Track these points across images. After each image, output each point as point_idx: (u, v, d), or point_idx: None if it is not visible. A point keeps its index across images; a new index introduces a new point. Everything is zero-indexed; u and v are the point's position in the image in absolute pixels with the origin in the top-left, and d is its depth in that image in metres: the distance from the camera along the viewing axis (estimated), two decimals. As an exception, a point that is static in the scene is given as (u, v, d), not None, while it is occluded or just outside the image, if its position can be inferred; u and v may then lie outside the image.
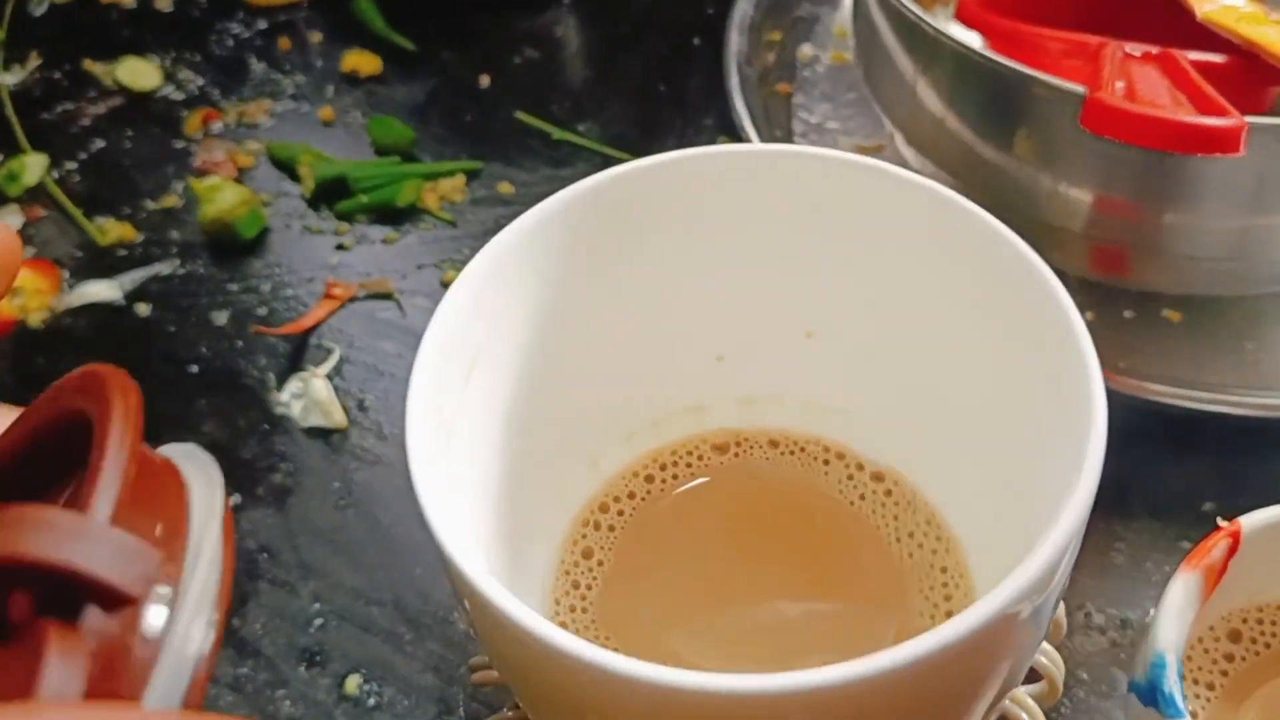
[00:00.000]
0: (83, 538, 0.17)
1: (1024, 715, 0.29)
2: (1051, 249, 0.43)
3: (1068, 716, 0.36)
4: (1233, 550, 0.30)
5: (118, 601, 0.17)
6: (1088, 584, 0.39)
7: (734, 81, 0.53)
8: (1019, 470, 0.28)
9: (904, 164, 0.47)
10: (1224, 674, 0.31)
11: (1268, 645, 0.32)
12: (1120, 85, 0.36)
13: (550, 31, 0.63)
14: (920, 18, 0.42)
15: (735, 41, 0.55)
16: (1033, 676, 0.30)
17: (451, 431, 0.28)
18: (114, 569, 0.17)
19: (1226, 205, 0.40)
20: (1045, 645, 0.30)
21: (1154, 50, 0.41)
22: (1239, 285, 0.45)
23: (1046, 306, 0.26)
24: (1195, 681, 0.31)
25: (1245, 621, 0.32)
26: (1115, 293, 0.46)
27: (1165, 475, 0.42)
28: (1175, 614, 0.29)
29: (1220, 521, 0.30)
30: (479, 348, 0.29)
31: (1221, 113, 0.32)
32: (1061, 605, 0.30)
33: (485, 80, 0.59)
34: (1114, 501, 0.42)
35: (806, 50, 0.58)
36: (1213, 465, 0.42)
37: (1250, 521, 0.30)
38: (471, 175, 0.55)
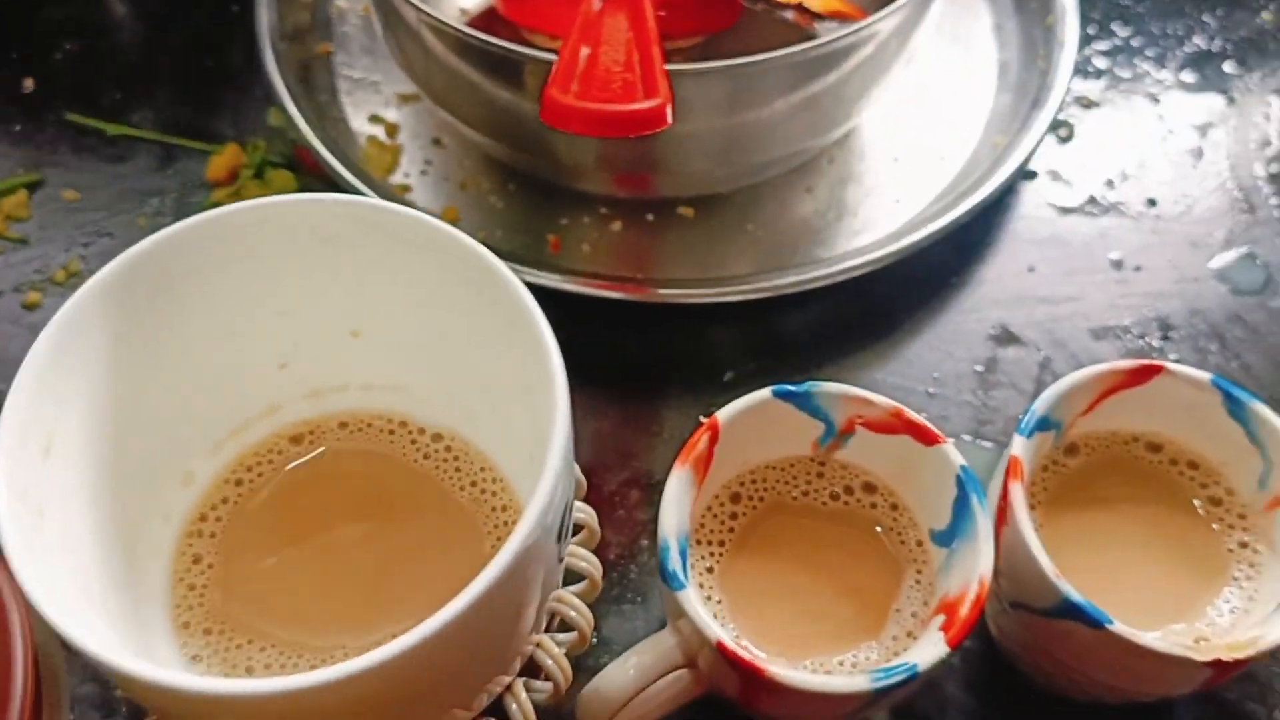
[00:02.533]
0: None
1: (572, 611, 0.36)
2: (577, 180, 0.50)
3: (634, 580, 0.44)
4: (714, 440, 0.38)
5: None
6: (640, 461, 0.47)
7: (269, 57, 0.55)
8: (535, 424, 0.35)
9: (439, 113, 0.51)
10: (730, 530, 0.40)
11: (762, 499, 0.41)
12: (585, 53, 0.42)
13: (89, 18, 0.62)
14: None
15: (265, 16, 0.57)
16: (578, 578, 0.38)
17: (42, 510, 0.31)
18: None
19: (698, 128, 0.48)
20: (583, 550, 0.37)
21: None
22: (732, 181, 0.53)
23: (520, 315, 0.33)
24: (710, 543, 0.40)
25: (742, 484, 0.41)
26: (638, 204, 0.54)
27: (694, 354, 0.51)
28: (673, 504, 0.37)
29: (701, 418, 0.38)
30: (53, 423, 0.33)
31: (652, 91, 0.38)
32: (593, 516, 0.38)
33: (29, 84, 0.59)
34: (656, 384, 0.50)
35: (340, 3, 0.61)
36: (730, 339, 0.51)
37: (725, 414, 0.38)
38: (33, 188, 0.55)
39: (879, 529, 0.40)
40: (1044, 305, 0.52)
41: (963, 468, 0.37)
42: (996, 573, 0.38)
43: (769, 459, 0.41)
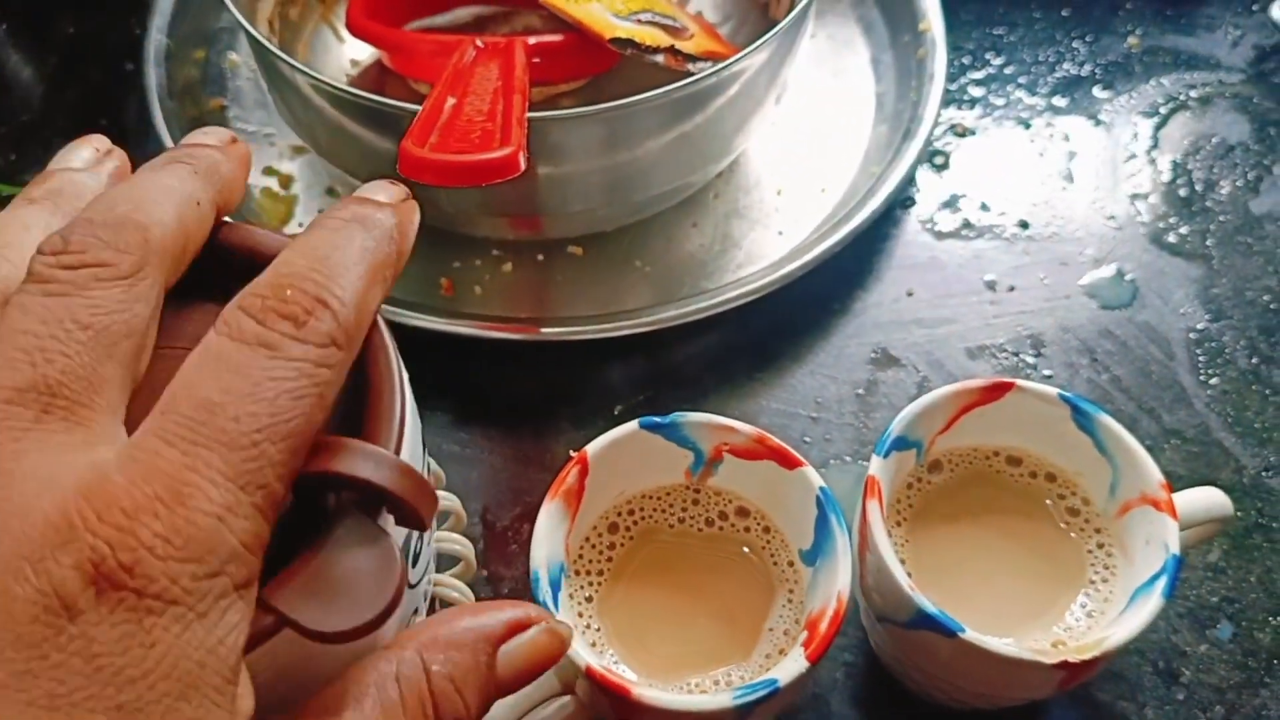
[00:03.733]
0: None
1: (454, 593, 0.37)
2: (467, 225, 0.51)
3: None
4: (584, 473, 0.39)
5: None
6: (532, 496, 0.48)
7: (157, 115, 0.56)
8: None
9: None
10: (609, 560, 0.41)
11: (639, 527, 0.42)
12: (450, 103, 0.44)
13: (-21, 77, 0.63)
14: (278, 55, 0.47)
15: (154, 74, 0.58)
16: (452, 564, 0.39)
17: None
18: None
19: (577, 169, 0.49)
20: (455, 536, 0.38)
21: (502, 40, 0.49)
22: (617, 219, 0.55)
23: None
24: (589, 573, 0.41)
25: (619, 514, 0.42)
26: (528, 244, 0.55)
27: (585, 390, 0.52)
28: (544, 537, 0.38)
29: (571, 453, 0.40)
30: None
31: (506, 140, 0.40)
32: (456, 501, 0.39)
33: (-82, 147, 0.60)
34: (548, 420, 0.51)
35: (233, 58, 0.62)
36: (620, 374, 0.52)
37: (594, 447, 0.40)
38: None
39: (747, 550, 0.41)
40: (922, 328, 0.54)
41: (822, 489, 0.39)
42: (868, 589, 0.40)
43: (644, 488, 0.42)
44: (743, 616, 0.40)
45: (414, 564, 0.32)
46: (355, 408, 0.29)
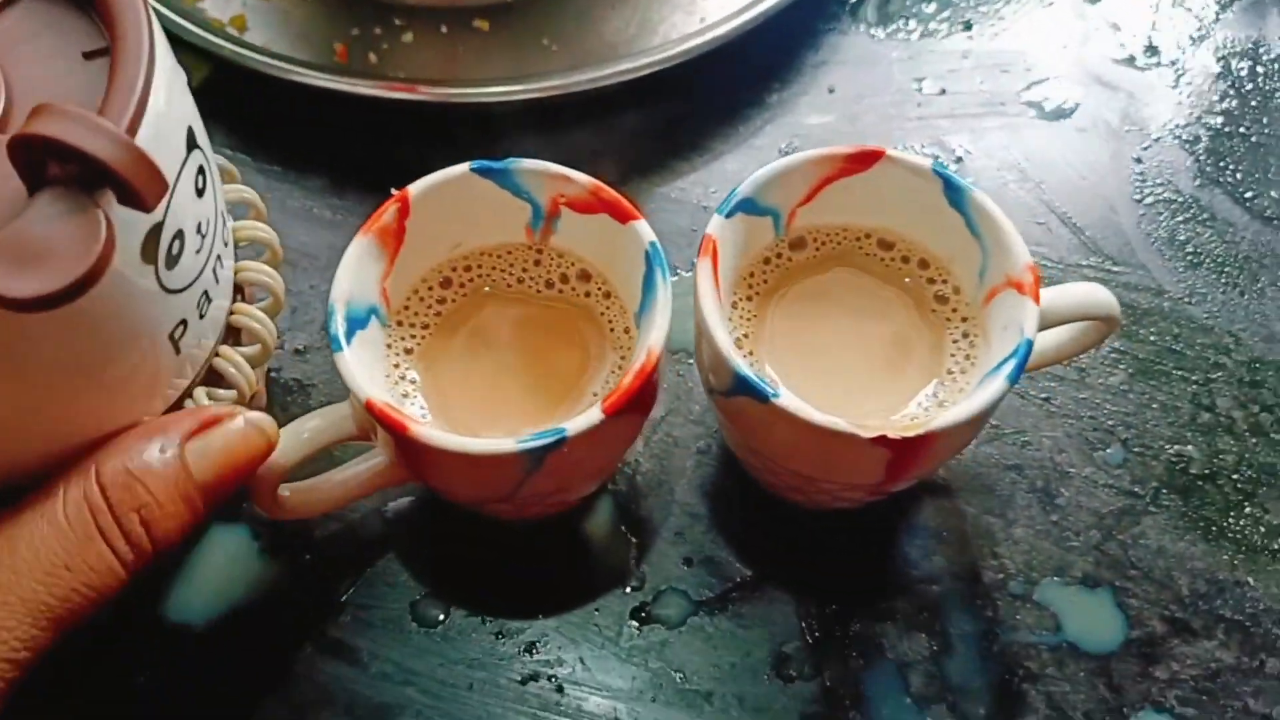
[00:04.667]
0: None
1: (254, 323, 0.35)
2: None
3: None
4: (404, 213, 0.37)
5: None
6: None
7: None
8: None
9: None
10: (437, 315, 0.39)
11: (472, 280, 0.40)
12: None
13: None
14: None
15: None
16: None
17: None
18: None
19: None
20: (261, 266, 0.36)
21: None
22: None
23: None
24: (413, 325, 0.39)
25: (454, 269, 0.40)
26: (432, 13, 0.52)
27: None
28: (349, 271, 0.36)
29: (392, 190, 0.37)
30: None
31: None
32: (253, 193, 0.37)
33: None
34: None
35: None
36: (513, 148, 0.50)
37: (417, 186, 0.37)
38: None
39: (583, 315, 0.39)
40: (839, 126, 0.50)
41: (651, 244, 0.36)
42: (701, 362, 0.37)
43: (484, 244, 0.40)
44: (570, 381, 0.38)
45: (170, 265, 0.30)
46: None
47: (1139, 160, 0.50)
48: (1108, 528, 0.42)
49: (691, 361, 0.44)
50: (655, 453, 0.43)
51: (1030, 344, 0.34)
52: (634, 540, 0.41)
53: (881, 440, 0.33)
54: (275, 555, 0.41)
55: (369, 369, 0.35)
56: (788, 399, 0.33)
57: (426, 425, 0.33)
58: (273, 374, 0.44)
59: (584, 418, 0.33)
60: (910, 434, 0.33)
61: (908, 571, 0.41)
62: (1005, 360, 0.34)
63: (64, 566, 0.26)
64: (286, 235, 0.40)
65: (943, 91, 0.52)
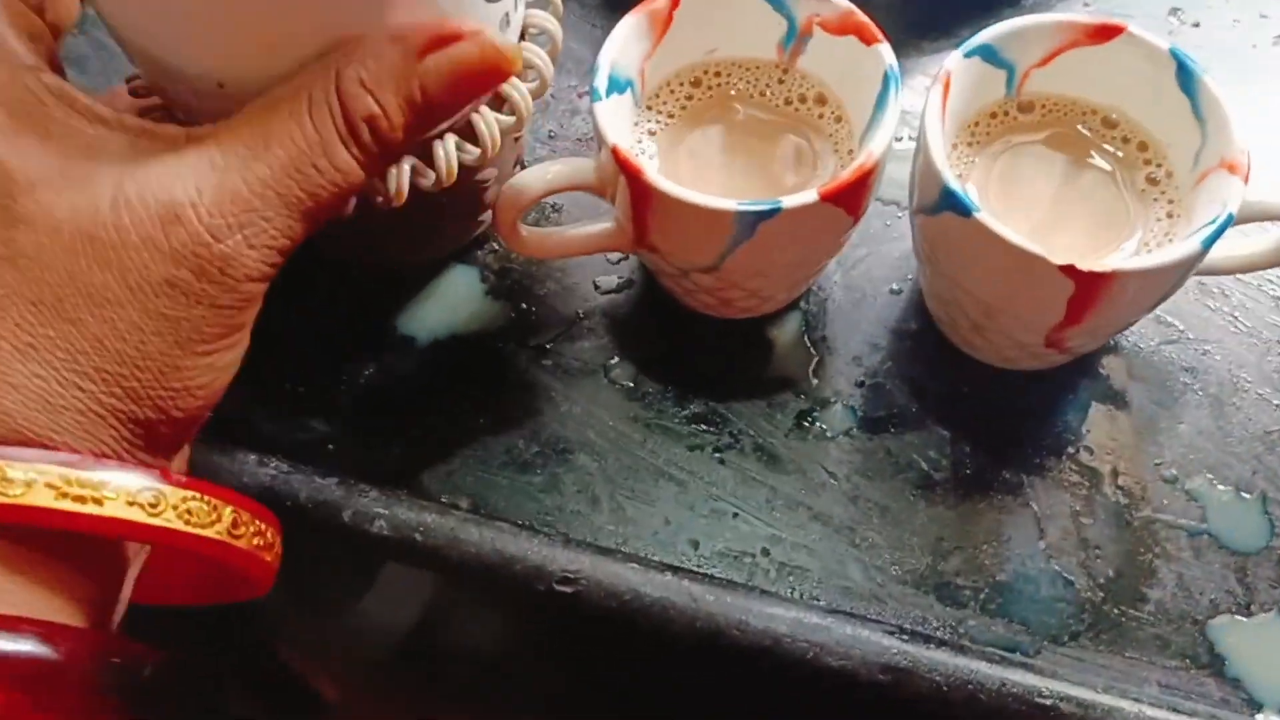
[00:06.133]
0: None
1: (515, 93, 0.39)
2: None
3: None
4: (675, 3, 0.41)
5: None
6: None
7: None
8: None
9: None
10: (683, 108, 0.43)
11: (720, 85, 0.44)
12: None
13: None
14: None
15: None
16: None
17: None
18: None
19: None
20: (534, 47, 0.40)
21: None
22: None
23: None
24: (660, 112, 0.43)
25: (705, 72, 0.44)
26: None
27: None
28: (618, 43, 0.40)
29: (671, -14, 0.41)
30: None
31: None
32: None
33: None
34: None
35: None
36: None
37: (691, -19, 0.41)
38: None
39: (819, 135, 0.42)
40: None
41: (891, 66, 0.39)
42: (912, 182, 0.40)
43: (735, 55, 0.43)
44: (791, 182, 0.41)
45: None
46: None
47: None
48: (1272, 443, 0.43)
49: (902, 213, 0.47)
50: (851, 283, 0.46)
51: (1231, 218, 0.36)
52: (815, 355, 0.44)
53: (1069, 270, 0.35)
54: (497, 298, 0.46)
55: (617, 128, 0.40)
56: (987, 216, 0.36)
57: (661, 177, 0.37)
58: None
59: (800, 196, 0.37)
60: (1097, 269, 0.35)
61: (1065, 435, 0.43)
62: (1203, 226, 0.36)
63: (312, 165, 0.29)
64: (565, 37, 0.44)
65: (1197, 24, 0.53)
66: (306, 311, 0.45)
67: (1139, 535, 0.41)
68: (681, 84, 0.43)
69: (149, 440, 0.29)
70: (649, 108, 0.43)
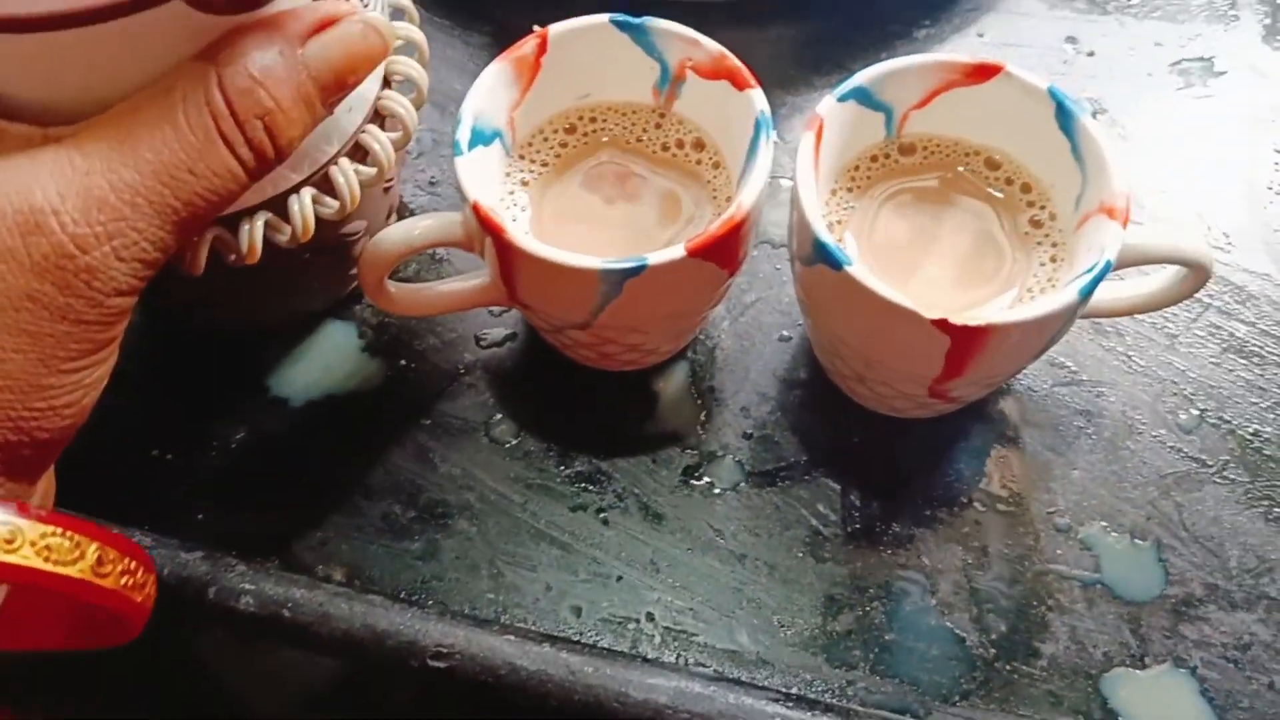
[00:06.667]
0: None
1: (399, 109, 0.37)
2: None
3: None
4: (541, 49, 0.40)
5: None
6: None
7: None
8: None
9: None
10: (557, 156, 0.42)
11: (595, 131, 0.42)
12: None
13: None
14: None
15: None
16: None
17: None
18: None
19: None
20: (408, 61, 0.38)
21: None
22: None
23: None
24: (533, 160, 0.41)
25: (580, 118, 0.42)
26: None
27: None
28: (483, 92, 0.39)
29: (535, 28, 0.40)
30: None
31: None
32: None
33: None
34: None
35: None
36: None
37: (557, 28, 0.40)
38: None
39: (696, 183, 0.41)
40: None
41: (762, 112, 0.38)
42: (791, 232, 0.39)
43: (611, 100, 0.42)
44: (666, 235, 0.40)
45: None
46: None
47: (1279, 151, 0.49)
48: (1166, 488, 0.42)
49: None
50: (739, 332, 0.45)
51: (1110, 264, 0.35)
52: (702, 407, 0.43)
53: (942, 324, 0.34)
54: (375, 354, 0.44)
55: (484, 182, 0.38)
56: (859, 270, 0.35)
57: (523, 235, 0.36)
58: (405, 200, 0.47)
59: (667, 252, 0.35)
60: (971, 323, 0.34)
61: (957, 485, 0.42)
62: (1081, 274, 0.35)
63: (188, 170, 0.27)
64: (441, 80, 0.42)
65: (1092, 54, 0.52)
66: (173, 371, 0.43)
67: (1031, 587, 0.40)
68: (555, 131, 0.42)
69: (9, 465, 0.27)
70: (521, 156, 0.41)
